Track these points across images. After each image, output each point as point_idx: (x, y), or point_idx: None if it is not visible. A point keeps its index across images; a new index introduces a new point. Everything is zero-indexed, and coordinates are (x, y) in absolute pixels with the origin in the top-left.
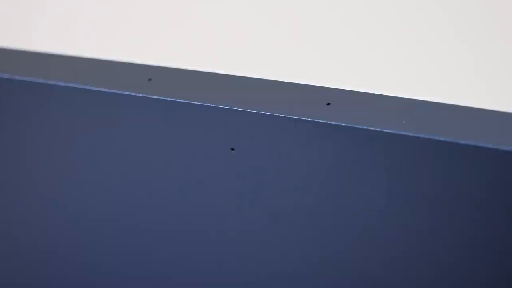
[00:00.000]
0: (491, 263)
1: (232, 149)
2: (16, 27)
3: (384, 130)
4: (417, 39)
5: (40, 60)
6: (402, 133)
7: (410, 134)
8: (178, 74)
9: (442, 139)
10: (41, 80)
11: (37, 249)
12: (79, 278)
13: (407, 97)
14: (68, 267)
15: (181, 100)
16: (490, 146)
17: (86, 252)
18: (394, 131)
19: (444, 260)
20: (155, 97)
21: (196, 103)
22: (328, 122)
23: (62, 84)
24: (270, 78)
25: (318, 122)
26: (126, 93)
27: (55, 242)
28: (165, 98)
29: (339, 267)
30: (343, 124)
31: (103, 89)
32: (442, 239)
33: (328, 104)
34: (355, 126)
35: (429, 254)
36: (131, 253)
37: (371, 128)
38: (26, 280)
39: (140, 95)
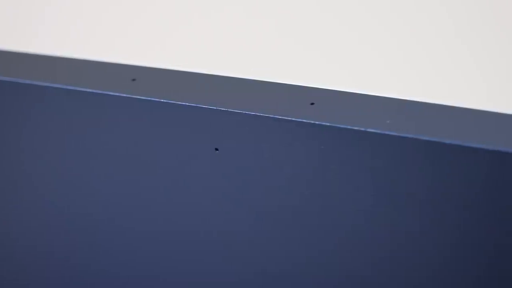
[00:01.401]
0: (480, 263)
1: (216, 149)
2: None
3: (368, 130)
4: (402, 38)
5: (24, 60)
6: (386, 132)
7: (395, 134)
8: (162, 74)
9: (427, 138)
10: (25, 81)
11: (26, 248)
12: (67, 277)
13: (392, 97)
14: (55, 265)
15: (165, 100)
16: (476, 145)
17: (72, 250)
18: (378, 131)
19: (432, 260)
20: (139, 97)
21: (180, 103)
22: (312, 122)
23: (45, 84)
24: (254, 78)
25: (302, 122)
26: (110, 93)
27: (43, 242)
28: (149, 98)
29: (326, 267)
30: (327, 124)
31: (87, 89)
32: (430, 239)
33: (312, 104)
34: (339, 126)
35: (417, 254)
36: (118, 252)
37: (355, 128)
38: (22, 281)
39: (124, 95)
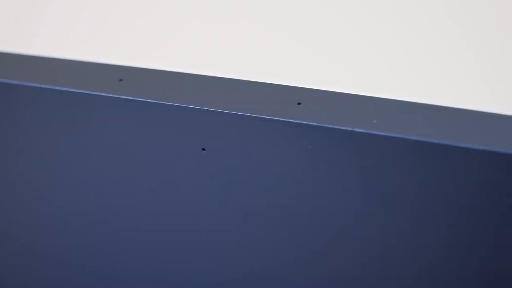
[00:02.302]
0: (470, 263)
1: (203, 149)
2: None
3: (355, 130)
4: (389, 38)
5: (10, 61)
6: (373, 132)
7: (382, 133)
8: (149, 74)
9: (414, 138)
10: (12, 81)
11: (20, 248)
12: (57, 276)
13: (379, 97)
14: (45, 265)
15: (152, 101)
16: (464, 145)
17: (60, 249)
18: (365, 131)
19: (422, 260)
20: (126, 97)
21: (167, 103)
22: (299, 121)
23: (32, 85)
24: (241, 78)
25: (289, 122)
26: (97, 93)
27: (31, 243)
28: (136, 99)
29: (315, 267)
30: (314, 124)
31: (73, 90)
32: (419, 239)
33: (299, 103)
34: (326, 125)
35: (407, 254)
36: (106, 251)
37: (342, 128)
38: (19, 281)
39: (111, 95)
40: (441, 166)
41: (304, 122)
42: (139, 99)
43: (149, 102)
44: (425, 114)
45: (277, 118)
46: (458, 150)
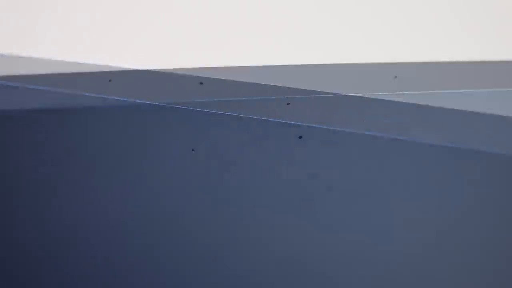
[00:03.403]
0: (459, 264)
1: (192, 150)
2: None
3: (344, 130)
4: (376, 38)
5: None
6: (362, 132)
7: (370, 133)
8: (138, 75)
9: (403, 138)
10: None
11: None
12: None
13: (368, 96)
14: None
15: (141, 101)
16: (453, 145)
17: (48, 247)
18: (354, 131)
19: (409, 259)
20: (115, 98)
21: (156, 103)
22: (288, 121)
23: (21, 85)
24: (230, 79)
25: (279, 122)
26: (86, 94)
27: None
28: (126, 99)
29: (303, 267)
30: (303, 124)
31: (63, 90)
32: (408, 239)
33: (288, 104)
34: (314, 126)
35: (396, 254)
36: (94, 251)
37: (331, 128)
38: (19, 281)
39: (101, 96)
40: (430, 166)
41: (293, 122)
42: (129, 100)
43: (138, 102)
44: (416, 114)
45: (267, 118)
46: (447, 150)
